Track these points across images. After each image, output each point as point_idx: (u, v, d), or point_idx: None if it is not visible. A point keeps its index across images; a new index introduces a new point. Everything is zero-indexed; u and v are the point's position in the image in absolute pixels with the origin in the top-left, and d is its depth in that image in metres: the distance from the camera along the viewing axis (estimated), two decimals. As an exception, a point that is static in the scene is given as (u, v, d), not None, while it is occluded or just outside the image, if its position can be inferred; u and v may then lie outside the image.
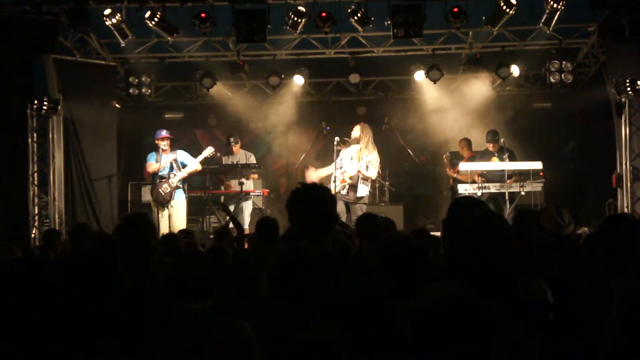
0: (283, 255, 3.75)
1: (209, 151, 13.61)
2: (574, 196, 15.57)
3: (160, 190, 13.30)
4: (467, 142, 15.15)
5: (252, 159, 14.93)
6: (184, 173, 13.43)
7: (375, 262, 4.24)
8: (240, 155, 14.88)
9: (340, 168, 13.06)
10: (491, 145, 14.29)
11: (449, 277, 3.85)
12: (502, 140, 14.15)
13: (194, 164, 13.54)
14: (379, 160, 13.09)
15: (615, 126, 13.78)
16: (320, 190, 4.38)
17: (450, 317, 2.54)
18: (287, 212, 4.36)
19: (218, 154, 14.15)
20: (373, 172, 13.01)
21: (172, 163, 13.44)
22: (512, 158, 13.92)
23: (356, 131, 13.09)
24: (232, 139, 15.01)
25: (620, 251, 4.38)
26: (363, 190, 12.93)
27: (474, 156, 14.72)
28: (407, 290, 3.82)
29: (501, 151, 13.93)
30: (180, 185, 13.46)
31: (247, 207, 14.47)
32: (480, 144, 15.39)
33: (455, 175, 14.75)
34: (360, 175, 12.85)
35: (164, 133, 13.56)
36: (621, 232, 4.46)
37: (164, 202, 13.31)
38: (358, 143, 12.97)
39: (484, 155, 14.28)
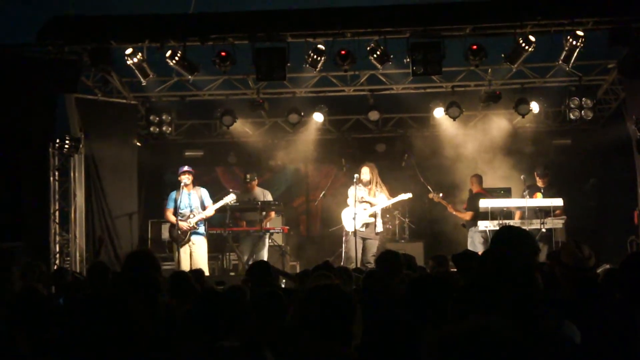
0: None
1: (230, 198, 13.60)
2: (595, 233, 15.46)
3: (178, 229, 13.30)
4: (478, 178, 15.22)
5: (269, 197, 14.92)
6: (202, 215, 13.41)
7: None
8: (257, 193, 14.89)
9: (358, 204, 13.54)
10: (540, 180, 14.51)
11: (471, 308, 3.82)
12: (522, 176, 14.32)
13: (210, 210, 13.54)
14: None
15: (635, 162, 13.71)
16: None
17: (491, 352, 2.49)
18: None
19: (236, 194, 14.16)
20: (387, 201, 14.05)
21: (195, 200, 13.43)
22: (549, 195, 14.11)
23: (366, 174, 13.66)
24: (248, 177, 15.07)
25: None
26: (380, 225, 13.84)
27: (483, 193, 14.72)
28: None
29: (549, 187, 14.27)
30: (198, 226, 13.43)
31: (265, 244, 14.44)
32: (498, 180, 15.45)
33: (454, 212, 15.03)
34: (379, 212, 13.81)
35: (185, 168, 13.61)
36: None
37: (180, 240, 13.30)
38: (369, 184, 13.48)
39: (531, 189, 14.40)
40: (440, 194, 15.26)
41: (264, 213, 14.43)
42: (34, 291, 4.98)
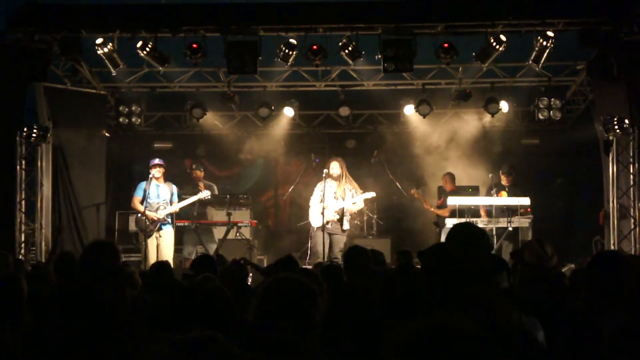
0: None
1: (204, 194, 13.66)
2: (561, 233, 15.59)
3: (146, 220, 13.25)
4: (451, 176, 15.25)
5: (214, 190, 15.00)
6: (172, 209, 13.39)
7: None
8: (204, 186, 15.00)
9: (322, 202, 13.31)
10: (505, 178, 14.56)
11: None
12: (490, 175, 14.39)
13: (178, 205, 13.59)
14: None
15: (602, 164, 13.84)
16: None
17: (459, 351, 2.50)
18: None
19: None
20: (361, 203, 13.78)
21: (165, 193, 13.40)
22: (513, 193, 14.16)
23: (336, 168, 13.42)
24: (194, 165, 15.57)
25: (608, 287, 4.40)
26: (347, 222, 13.54)
27: (457, 190, 14.78)
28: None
29: (513, 186, 14.33)
30: (167, 219, 13.41)
31: (212, 239, 14.62)
32: (466, 178, 15.52)
33: (432, 209, 14.96)
34: (348, 209, 13.49)
35: (156, 161, 13.55)
36: (610, 269, 4.48)
37: (148, 231, 13.24)
38: (339, 179, 13.32)
39: (498, 187, 14.43)
40: (420, 191, 15.33)
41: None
42: (16, 281, 4.89)
